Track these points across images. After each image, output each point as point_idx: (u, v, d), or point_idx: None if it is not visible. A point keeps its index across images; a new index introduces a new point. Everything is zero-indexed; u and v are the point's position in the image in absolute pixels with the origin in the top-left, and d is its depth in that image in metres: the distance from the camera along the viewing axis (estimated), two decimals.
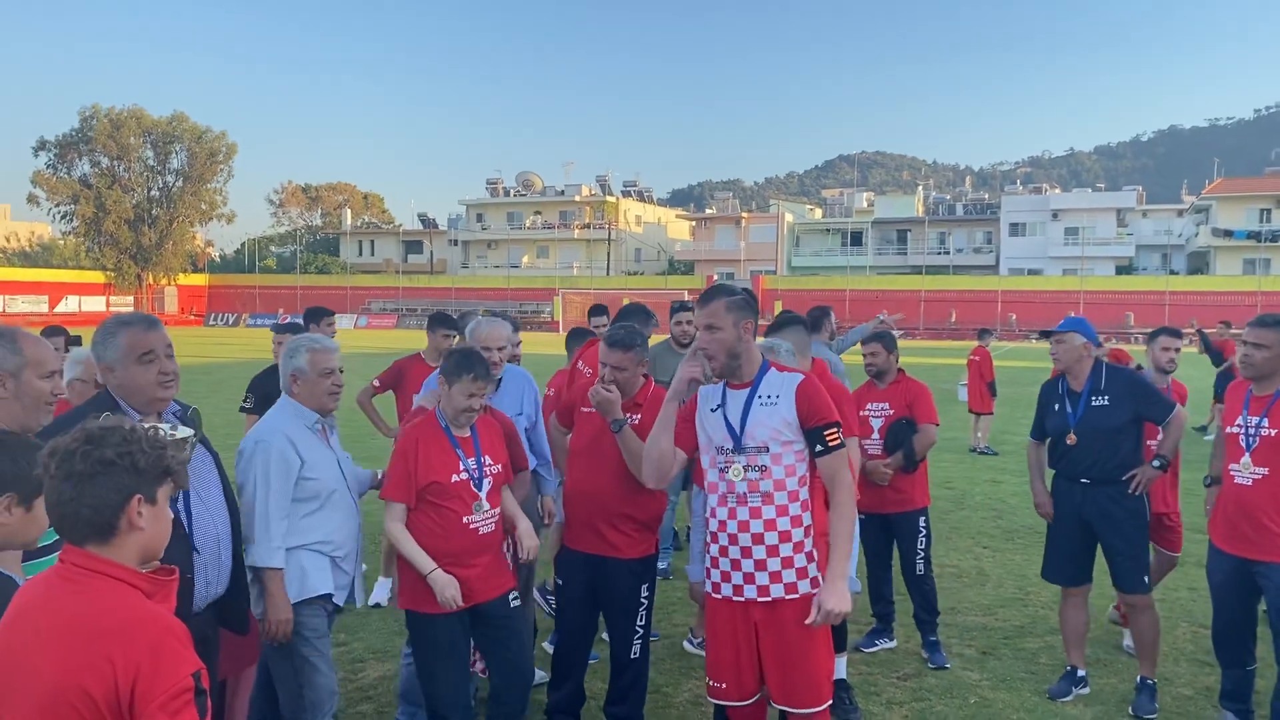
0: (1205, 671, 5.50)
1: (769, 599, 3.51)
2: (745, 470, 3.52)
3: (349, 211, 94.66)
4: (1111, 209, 69.81)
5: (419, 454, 3.93)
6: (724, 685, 3.61)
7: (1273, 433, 4.46)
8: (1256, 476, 4.49)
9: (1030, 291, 59.97)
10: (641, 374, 4.39)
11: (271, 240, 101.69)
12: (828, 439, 3.49)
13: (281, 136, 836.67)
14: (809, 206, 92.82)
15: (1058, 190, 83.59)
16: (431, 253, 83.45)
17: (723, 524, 3.57)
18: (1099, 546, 5.15)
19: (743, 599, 3.54)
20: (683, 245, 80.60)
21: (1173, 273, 64.43)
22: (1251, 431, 4.53)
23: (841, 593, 3.39)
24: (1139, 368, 6.67)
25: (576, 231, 78.87)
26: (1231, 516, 4.61)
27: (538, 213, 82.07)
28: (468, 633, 4.02)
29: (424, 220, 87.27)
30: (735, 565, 3.54)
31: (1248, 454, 4.53)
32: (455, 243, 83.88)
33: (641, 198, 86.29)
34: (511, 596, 4.08)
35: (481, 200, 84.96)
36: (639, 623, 4.36)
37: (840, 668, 5.05)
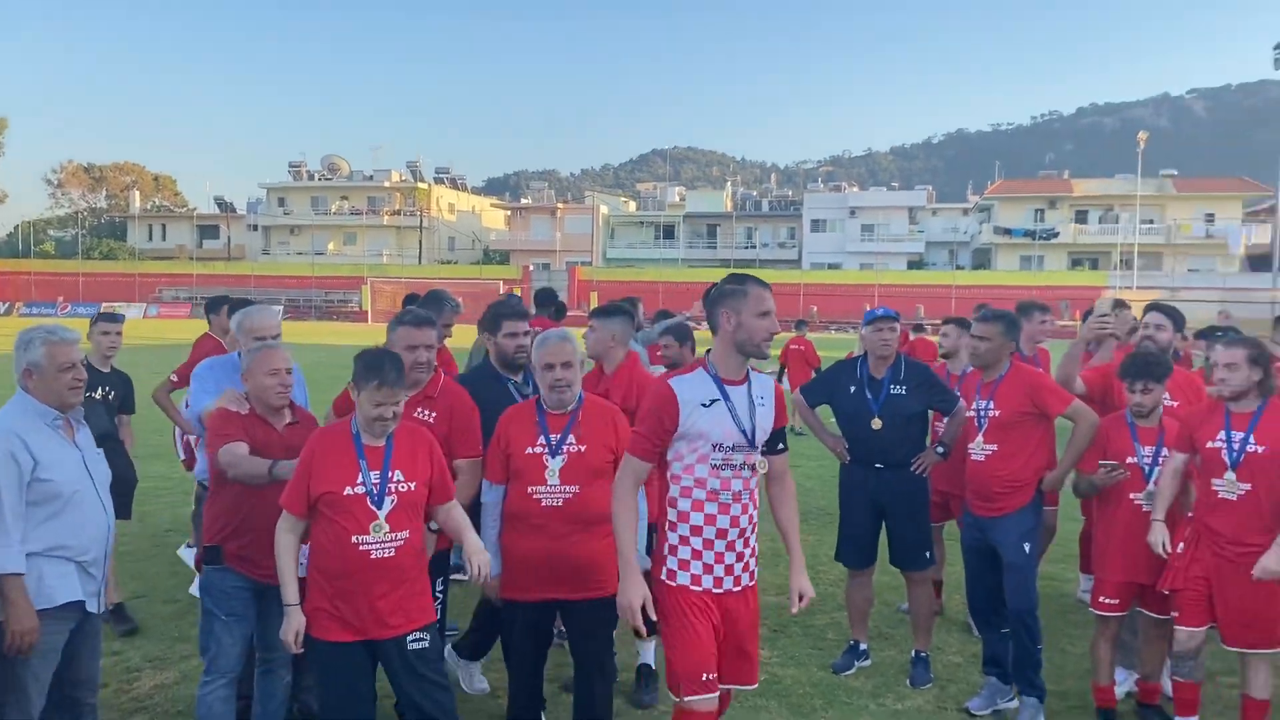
0: (975, 639, 5.89)
1: (740, 588, 3.57)
2: (741, 468, 3.51)
3: (137, 194, 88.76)
4: (904, 207, 73.87)
5: (315, 460, 3.62)
6: (715, 675, 3.48)
7: (998, 413, 4.92)
8: (988, 452, 4.96)
9: (831, 285, 62.70)
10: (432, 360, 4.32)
11: (50, 223, 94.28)
12: (784, 436, 3.69)
13: (60, 112, 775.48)
14: (623, 199, 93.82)
15: (856, 189, 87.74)
16: (229, 238, 79.33)
17: (710, 518, 3.49)
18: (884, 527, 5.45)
19: (721, 590, 3.53)
20: (498, 235, 79.92)
21: (959, 268, 68.72)
22: (982, 414, 4.98)
23: (807, 577, 3.66)
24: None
25: (386, 218, 76.81)
26: (973, 489, 5.06)
27: (344, 198, 79.35)
28: (365, 665, 3.66)
29: (220, 204, 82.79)
30: (719, 559, 3.51)
31: (980, 433, 4.99)
32: (255, 228, 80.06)
33: (455, 185, 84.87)
34: (411, 638, 3.65)
35: (283, 184, 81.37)
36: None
37: (647, 653, 5.17)
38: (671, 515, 3.56)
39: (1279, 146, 49.82)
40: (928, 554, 5.44)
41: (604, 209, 78.86)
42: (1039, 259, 65.66)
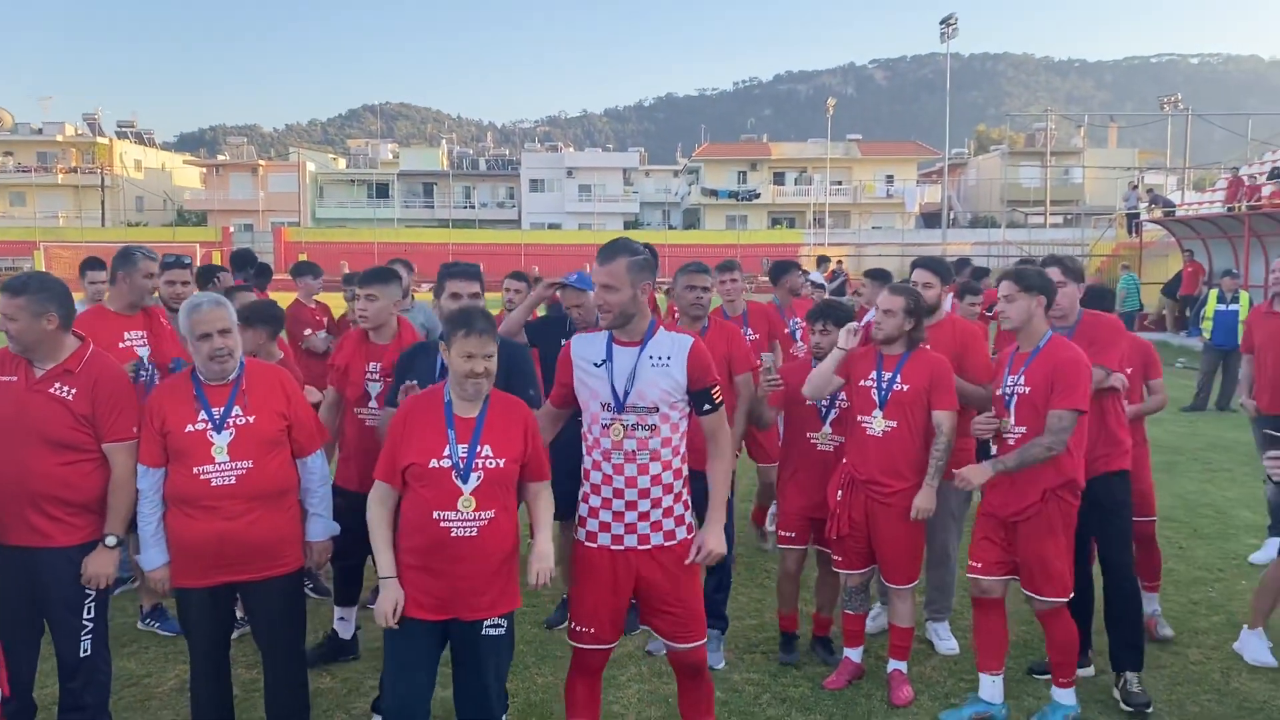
0: None
1: (649, 547, 3.55)
2: (634, 429, 3.51)
3: None
4: (619, 168, 75.42)
5: (406, 429, 3.48)
6: (592, 630, 3.61)
7: None
8: None
9: (550, 245, 63.17)
10: (54, 328, 3.77)
11: None
12: (714, 397, 3.60)
13: None
14: (332, 156, 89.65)
15: (572, 149, 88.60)
16: None
17: (607, 478, 3.54)
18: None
19: (622, 548, 3.55)
20: (193, 194, 73.93)
21: (671, 228, 71.24)
22: None
23: (719, 535, 3.59)
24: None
25: (61, 176, 69.02)
26: None
27: (8, 153, 70.43)
28: (432, 646, 3.50)
29: None
30: (618, 517, 3.54)
31: None
32: None
33: (141, 140, 77.62)
34: (488, 623, 3.47)
35: None
36: (86, 616, 3.83)
37: (347, 627, 5.08)
38: (583, 471, 3.64)
39: (946, 113, 55.00)
40: None
41: (311, 166, 74.83)
42: (743, 218, 69.20)
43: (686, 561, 3.60)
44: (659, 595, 3.59)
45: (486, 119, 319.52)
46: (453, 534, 3.39)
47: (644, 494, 3.53)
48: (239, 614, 4.41)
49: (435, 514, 3.39)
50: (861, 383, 4.74)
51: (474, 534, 3.41)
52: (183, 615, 3.90)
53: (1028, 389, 4.33)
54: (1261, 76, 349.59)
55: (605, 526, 3.57)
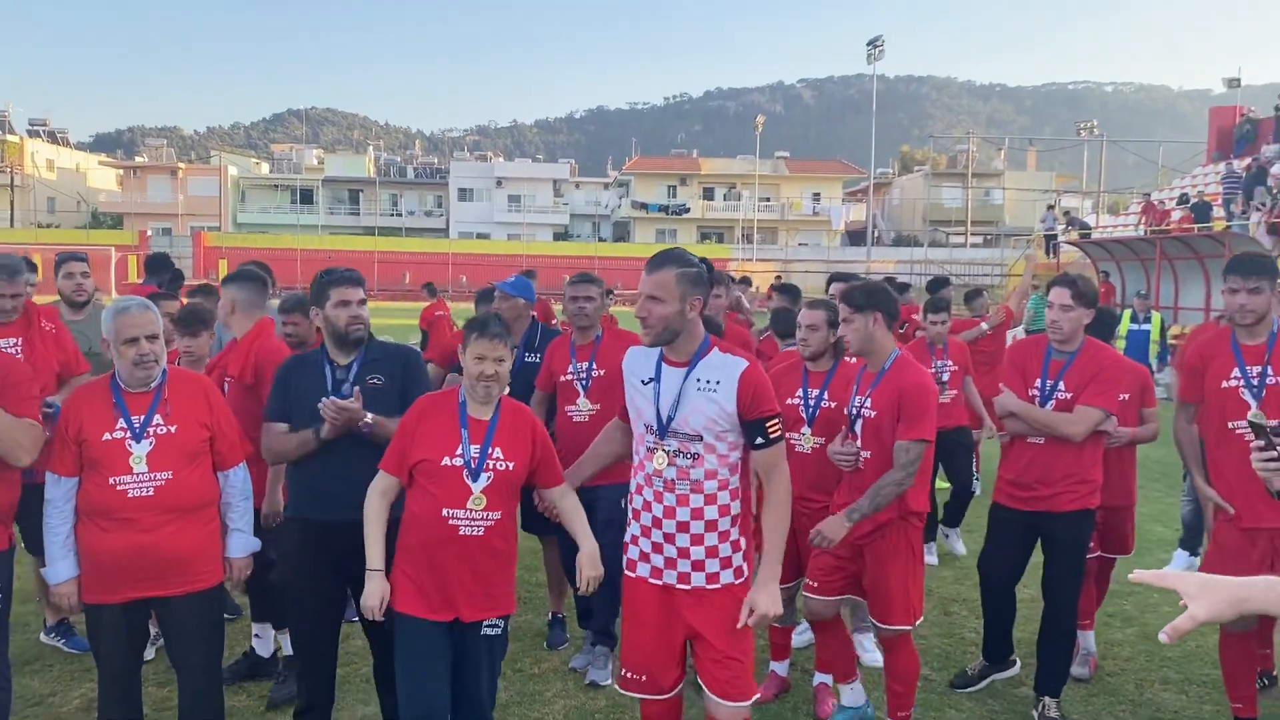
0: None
1: (689, 587, 3.31)
2: (674, 456, 3.29)
3: None
4: (549, 179, 75.30)
5: (420, 425, 3.48)
6: (643, 676, 3.37)
7: (601, 373, 5.01)
8: (590, 412, 5.00)
9: (479, 255, 62.72)
10: None
11: None
12: (769, 431, 3.27)
13: None
14: (255, 160, 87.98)
15: (502, 159, 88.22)
16: None
17: (647, 504, 3.36)
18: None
19: (660, 582, 3.34)
20: (109, 196, 71.85)
21: (601, 240, 71.37)
22: (585, 378, 5.12)
23: (774, 594, 3.22)
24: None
25: None
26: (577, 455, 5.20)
27: None
28: (443, 645, 3.48)
29: None
30: (657, 548, 3.34)
31: (582, 395, 5.13)
32: None
33: (55, 139, 75.22)
34: (487, 624, 3.51)
35: None
36: None
37: (265, 644, 4.91)
38: (629, 493, 3.49)
39: (872, 133, 56.05)
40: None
41: (233, 170, 73.31)
42: (673, 232, 69.59)
43: (738, 625, 3.27)
44: (705, 643, 3.32)
45: (415, 126, 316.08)
46: (460, 532, 3.41)
47: (683, 527, 3.28)
48: (153, 630, 4.26)
49: (445, 511, 3.40)
50: (789, 401, 4.67)
51: (480, 533, 3.44)
52: (93, 632, 3.72)
53: (873, 412, 4.17)
54: (1171, 105, 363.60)
55: (645, 556, 3.38)
